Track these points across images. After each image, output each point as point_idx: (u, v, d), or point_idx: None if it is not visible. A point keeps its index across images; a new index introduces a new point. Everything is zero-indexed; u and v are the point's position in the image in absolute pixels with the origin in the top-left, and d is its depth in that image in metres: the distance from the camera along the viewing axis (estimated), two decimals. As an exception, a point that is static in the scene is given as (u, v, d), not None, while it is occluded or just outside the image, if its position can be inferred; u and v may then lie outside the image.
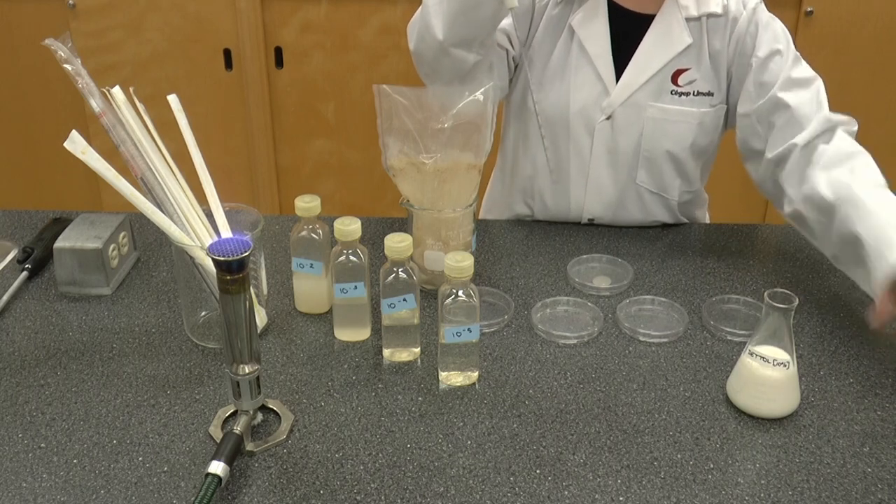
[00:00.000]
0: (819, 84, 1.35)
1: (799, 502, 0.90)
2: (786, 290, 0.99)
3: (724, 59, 1.39)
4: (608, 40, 1.40)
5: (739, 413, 1.03)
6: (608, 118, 1.42)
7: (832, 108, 1.32)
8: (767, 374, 1.00)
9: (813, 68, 1.37)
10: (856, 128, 1.32)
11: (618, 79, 1.41)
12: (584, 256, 1.36)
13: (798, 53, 1.37)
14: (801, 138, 1.29)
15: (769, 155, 1.34)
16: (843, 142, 1.28)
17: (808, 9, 2.36)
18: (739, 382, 1.04)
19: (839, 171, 1.24)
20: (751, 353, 1.02)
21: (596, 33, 1.40)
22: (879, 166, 1.24)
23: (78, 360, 1.11)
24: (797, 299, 0.98)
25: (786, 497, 0.91)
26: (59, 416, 1.01)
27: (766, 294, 0.99)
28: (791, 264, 1.37)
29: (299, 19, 2.49)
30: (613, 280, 1.30)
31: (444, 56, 1.29)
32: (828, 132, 1.29)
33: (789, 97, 1.32)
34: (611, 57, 1.40)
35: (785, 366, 1.00)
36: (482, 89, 1.22)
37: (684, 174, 1.47)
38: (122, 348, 1.14)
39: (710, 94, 1.41)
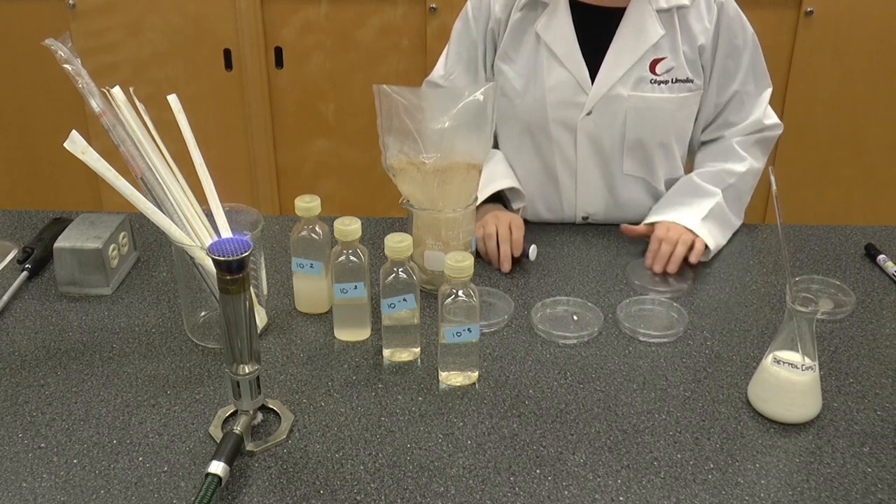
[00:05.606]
0: (767, 91, 1.48)
1: (799, 502, 0.90)
2: (809, 295, 0.98)
3: (698, 47, 1.41)
4: (575, 40, 1.41)
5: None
6: (588, 114, 1.43)
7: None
8: (797, 380, 0.99)
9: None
10: (776, 133, 1.49)
11: (593, 74, 1.41)
12: (549, 300, 1.25)
13: (759, 47, 1.45)
14: (729, 133, 1.48)
15: (703, 138, 1.52)
16: (741, 144, 1.47)
17: (808, 9, 2.36)
18: (768, 392, 1.02)
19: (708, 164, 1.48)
20: (777, 361, 1.01)
21: (561, 34, 1.41)
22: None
23: (78, 360, 1.11)
24: (820, 303, 0.97)
25: (786, 497, 0.91)
26: (59, 416, 1.01)
27: (788, 300, 0.98)
28: (791, 264, 1.37)
29: (299, 19, 2.49)
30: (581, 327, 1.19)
31: None
32: (749, 134, 1.47)
33: (736, 102, 1.46)
34: (580, 55, 1.41)
35: (812, 369, 1.00)
36: (482, 89, 1.22)
37: (671, 158, 1.48)
38: (122, 348, 1.14)
39: (688, 80, 1.42)
